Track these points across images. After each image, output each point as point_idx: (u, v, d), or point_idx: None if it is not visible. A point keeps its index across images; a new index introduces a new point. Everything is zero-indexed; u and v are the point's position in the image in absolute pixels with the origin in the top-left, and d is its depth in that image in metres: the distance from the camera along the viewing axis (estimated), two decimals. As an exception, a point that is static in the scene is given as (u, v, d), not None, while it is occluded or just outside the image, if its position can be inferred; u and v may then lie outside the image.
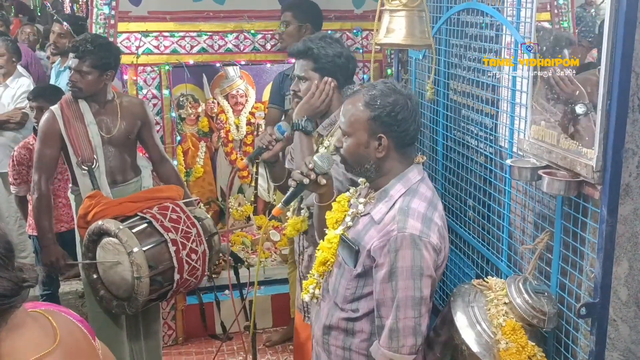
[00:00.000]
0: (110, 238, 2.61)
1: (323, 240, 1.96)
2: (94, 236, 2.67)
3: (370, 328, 1.83)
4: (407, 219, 1.73)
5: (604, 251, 1.56)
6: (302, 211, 2.40)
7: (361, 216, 1.88)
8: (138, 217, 2.72)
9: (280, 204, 1.97)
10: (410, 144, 1.86)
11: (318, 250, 1.97)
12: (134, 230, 2.62)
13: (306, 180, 1.93)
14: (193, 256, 2.69)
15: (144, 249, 2.57)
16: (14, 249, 1.21)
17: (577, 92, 1.64)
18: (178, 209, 2.78)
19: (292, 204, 2.27)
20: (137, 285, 2.54)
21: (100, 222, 2.64)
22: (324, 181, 1.94)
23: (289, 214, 2.46)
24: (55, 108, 2.97)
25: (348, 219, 1.90)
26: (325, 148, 2.34)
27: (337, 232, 1.90)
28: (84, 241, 2.74)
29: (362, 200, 1.91)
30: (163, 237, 2.64)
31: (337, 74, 2.35)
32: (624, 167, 1.60)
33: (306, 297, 2.04)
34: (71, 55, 2.97)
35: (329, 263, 1.93)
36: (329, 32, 3.57)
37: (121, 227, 2.59)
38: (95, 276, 2.73)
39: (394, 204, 1.79)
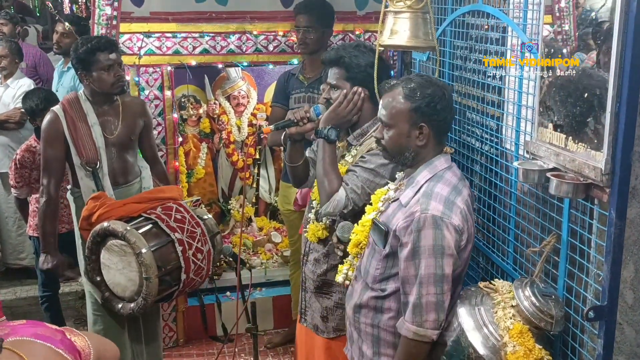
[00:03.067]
0: (116, 239, 2.59)
1: (358, 224, 2.11)
2: (98, 238, 2.65)
3: (397, 306, 1.94)
4: (429, 201, 1.84)
5: (612, 254, 1.56)
6: (323, 219, 2.41)
7: (392, 202, 2.00)
8: (142, 217, 2.71)
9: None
10: (446, 132, 2.02)
11: (353, 233, 2.12)
12: (140, 231, 2.61)
13: (340, 253, 2.28)
14: (199, 255, 2.69)
15: (152, 249, 2.56)
16: None
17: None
18: (182, 209, 2.78)
19: (315, 214, 2.44)
20: (146, 285, 2.53)
21: (106, 224, 2.62)
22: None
23: (311, 215, 2.46)
24: (57, 109, 2.93)
25: (380, 204, 2.04)
26: (352, 157, 2.36)
27: (370, 217, 2.04)
28: (87, 243, 2.72)
29: (393, 186, 2.06)
30: (170, 237, 2.63)
31: (369, 84, 2.32)
32: (631, 170, 1.59)
33: (339, 279, 2.20)
34: (102, 53, 2.85)
35: (361, 245, 2.08)
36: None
37: (128, 228, 2.57)
38: (98, 278, 2.72)
39: (419, 189, 1.91)
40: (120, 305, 2.69)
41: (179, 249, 2.62)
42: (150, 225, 2.66)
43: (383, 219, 1.98)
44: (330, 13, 3.41)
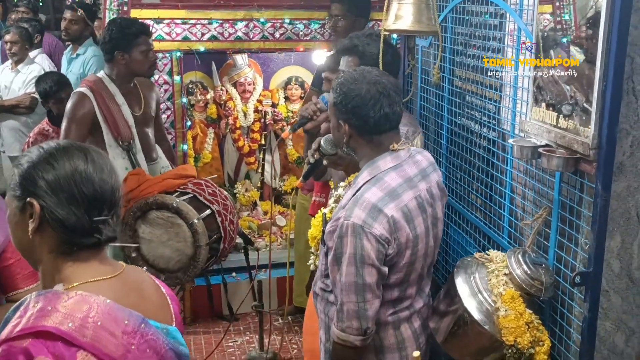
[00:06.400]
0: (162, 212, 2.74)
1: (314, 218, 2.14)
2: (139, 212, 2.77)
3: None
4: (354, 207, 1.79)
5: (598, 223, 1.67)
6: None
7: (341, 199, 1.98)
8: (178, 192, 2.85)
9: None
10: (378, 132, 1.86)
11: (312, 225, 2.16)
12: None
13: (311, 160, 2.11)
14: (231, 226, 2.88)
15: (202, 218, 2.73)
16: (105, 199, 1.26)
17: (562, 92, 1.73)
18: (210, 184, 2.95)
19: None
20: (199, 253, 2.71)
21: (152, 198, 2.75)
22: (325, 162, 2.10)
23: (330, 201, 2.56)
24: (85, 89, 2.99)
25: (331, 200, 2.06)
26: None
27: (325, 211, 2.06)
28: (124, 218, 2.79)
29: (342, 184, 2.05)
30: (210, 209, 2.80)
31: None
32: (618, 146, 1.70)
33: (311, 267, 2.27)
34: (145, 37, 3.04)
35: (317, 239, 2.10)
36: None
37: (178, 200, 2.73)
38: (134, 254, 2.84)
39: (357, 191, 1.85)
40: (162, 277, 2.79)
41: (219, 219, 2.79)
42: (188, 199, 2.81)
43: (333, 215, 1.95)
44: (365, 3, 3.50)
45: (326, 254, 1.91)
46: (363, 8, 3.49)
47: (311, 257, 2.33)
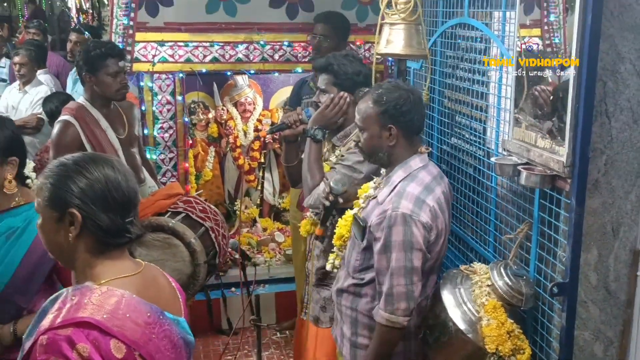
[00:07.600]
0: (158, 233, 2.79)
1: (341, 219, 2.28)
2: None
3: (373, 292, 2.11)
4: (400, 200, 2.01)
5: (573, 237, 1.77)
6: (309, 214, 2.62)
7: (372, 199, 2.16)
8: (170, 212, 2.91)
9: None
10: (416, 133, 2.15)
11: (337, 227, 2.29)
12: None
13: (327, 203, 2.31)
14: (224, 240, 2.95)
15: (198, 237, 2.81)
16: (132, 202, 1.39)
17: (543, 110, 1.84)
18: (199, 200, 3.02)
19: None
20: (198, 271, 2.77)
21: (146, 221, 2.80)
22: (341, 200, 2.30)
23: (308, 214, 2.67)
24: (68, 117, 2.96)
25: (361, 201, 2.21)
26: (336, 157, 2.55)
27: (352, 212, 2.21)
28: None
29: (373, 185, 2.21)
30: (204, 226, 2.86)
31: (355, 90, 2.50)
32: (593, 164, 1.81)
33: (328, 267, 2.37)
34: (112, 59, 2.98)
35: (344, 238, 2.25)
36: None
37: (173, 221, 2.80)
38: None
39: (394, 188, 2.06)
40: None
41: (212, 235, 2.86)
42: (182, 219, 2.88)
43: (363, 215, 2.14)
44: (347, 26, 3.63)
45: (365, 249, 2.09)
46: (346, 32, 3.62)
47: (330, 257, 2.41)
